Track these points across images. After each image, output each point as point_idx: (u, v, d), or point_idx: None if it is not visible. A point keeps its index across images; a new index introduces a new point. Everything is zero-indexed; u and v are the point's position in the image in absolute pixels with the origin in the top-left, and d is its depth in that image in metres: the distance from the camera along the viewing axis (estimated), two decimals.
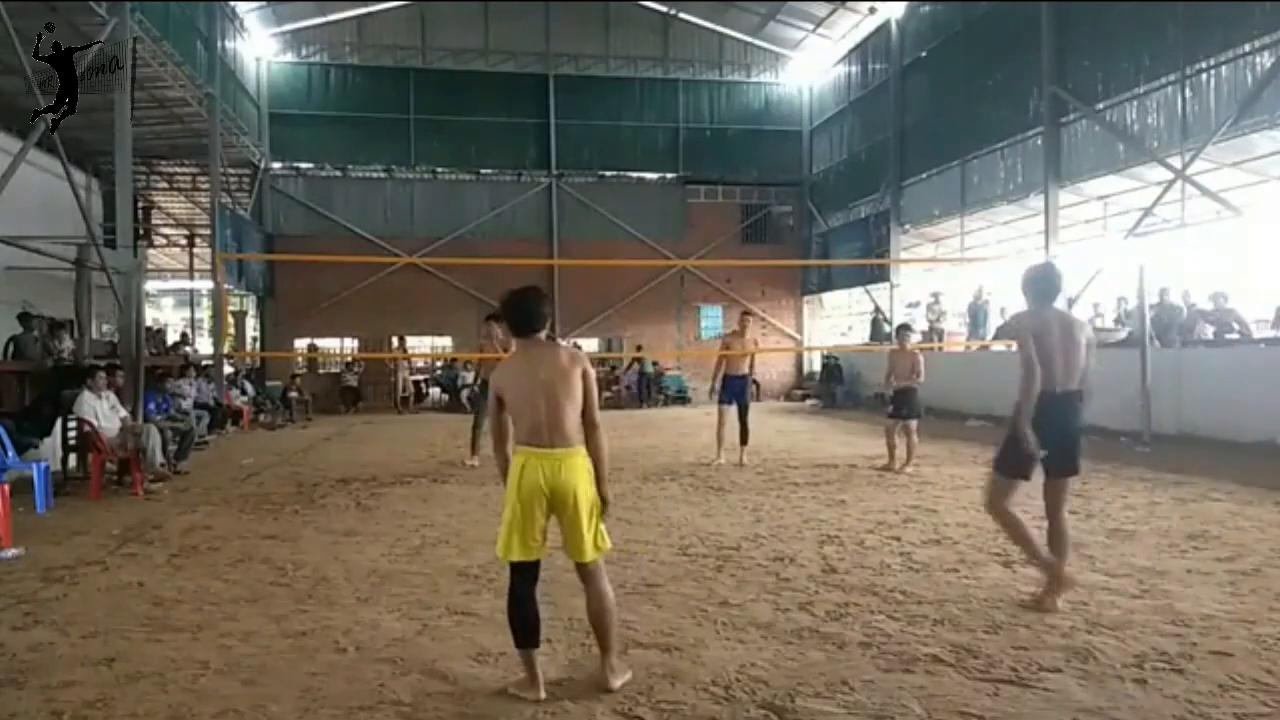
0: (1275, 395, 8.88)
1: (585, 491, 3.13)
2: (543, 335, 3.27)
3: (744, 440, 9.53)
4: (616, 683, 3.17)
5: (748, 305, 22.05)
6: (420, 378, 21.07)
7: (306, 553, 5.44)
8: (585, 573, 3.22)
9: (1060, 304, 4.16)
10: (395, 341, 20.98)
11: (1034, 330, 3.92)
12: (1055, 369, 3.89)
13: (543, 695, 3.09)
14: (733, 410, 9.58)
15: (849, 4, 19.51)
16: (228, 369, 15.57)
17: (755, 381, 9.82)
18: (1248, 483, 7.19)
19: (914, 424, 8.75)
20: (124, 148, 10.35)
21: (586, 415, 3.17)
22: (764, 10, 20.98)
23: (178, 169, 18.58)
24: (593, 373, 3.24)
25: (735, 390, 9.67)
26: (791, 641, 3.66)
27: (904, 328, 9.87)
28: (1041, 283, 4.06)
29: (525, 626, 3.16)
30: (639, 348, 20.92)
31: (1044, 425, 3.86)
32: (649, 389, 20.26)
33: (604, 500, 3.21)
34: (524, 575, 3.20)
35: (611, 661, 3.21)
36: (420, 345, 21.73)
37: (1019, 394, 3.89)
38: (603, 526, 3.24)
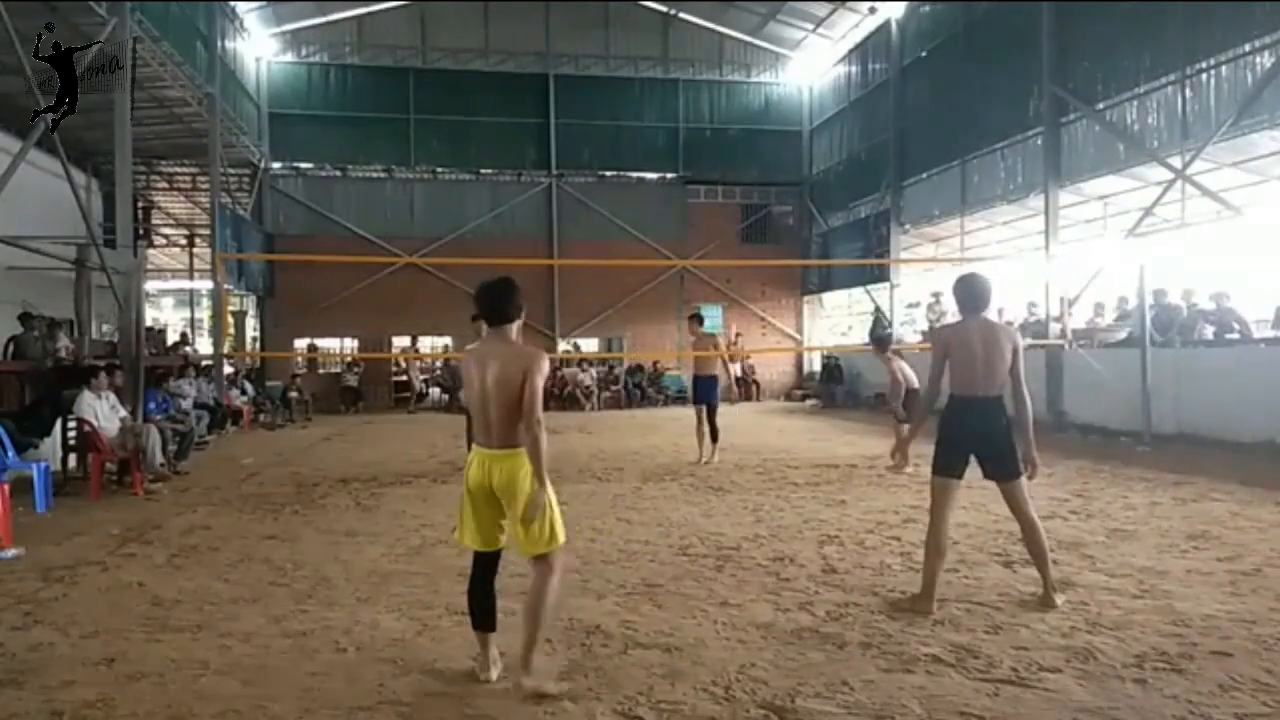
0: (1275, 395, 8.88)
1: (526, 490, 3.11)
2: (513, 328, 3.27)
3: (713, 439, 9.69)
4: (528, 683, 3.10)
5: (748, 305, 22.08)
6: (421, 377, 21.10)
7: (306, 553, 5.44)
8: (531, 565, 3.23)
9: (991, 313, 4.30)
10: (408, 340, 21.03)
11: (948, 341, 4.18)
12: (975, 375, 4.07)
13: (493, 677, 3.23)
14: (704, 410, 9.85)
15: (849, 4, 19.49)
16: (228, 369, 15.56)
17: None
18: (1248, 483, 7.19)
19: (904, 427, 8.81)
20: (124, 148, 10.34)
21: (523, 413, 3.10)
22: (764, 10, 20.97)
23: (178, 169, 18.57)
24: (539, 371, 3.11)
25: (702, 391, 9.95)
26: (791, 641, 3.66)
27: (881, 338, 10.09)
28: (966, 294, 4.21)
29: (479, 610, 3.29)
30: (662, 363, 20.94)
31: (967, 427, 4.08)
32: (637, 390, 20.32)
33: (531, 502, 3.07)
34: (480, 563, 3.31)
35: (529, 658, 3.14)
36: (420, 345, 21.76)
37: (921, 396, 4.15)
38: (555, 524, 3.15)
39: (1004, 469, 4.07)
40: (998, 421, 4.07)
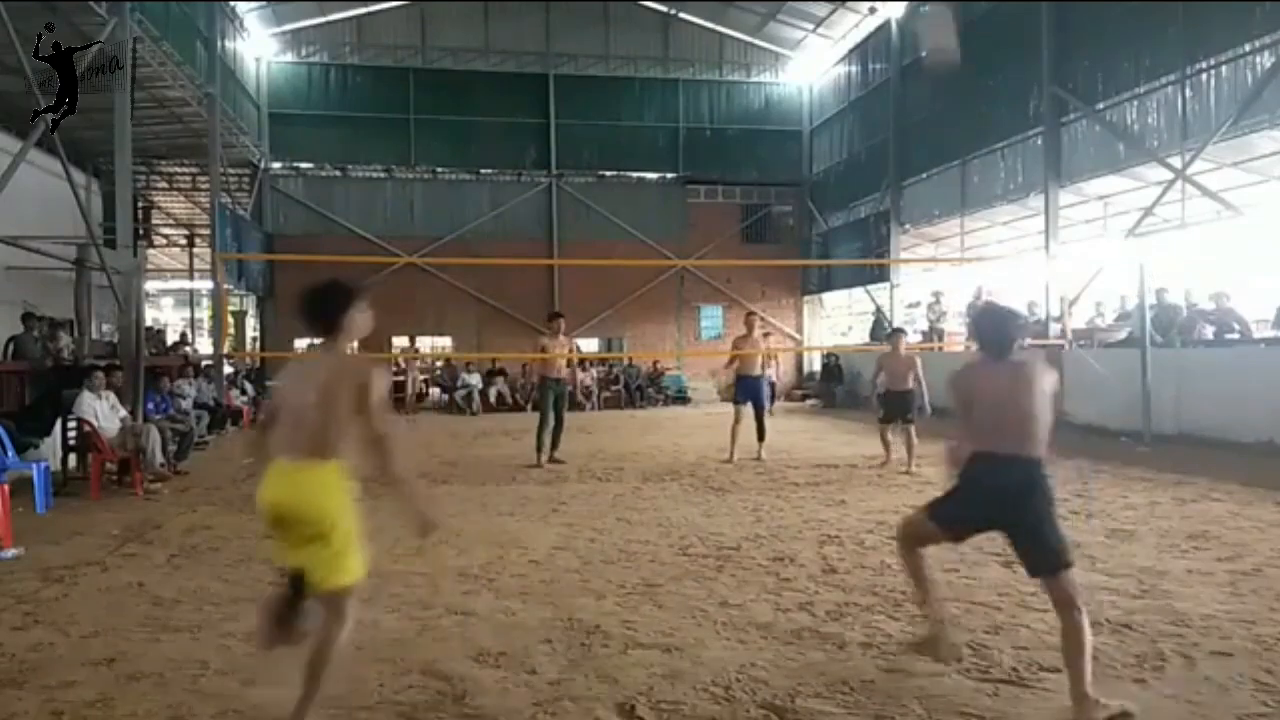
0: (1275, 395, 8.88)
1: (319, 512, 2.63)
2: (345, 339, 2.80)
3: (760, 437, 9.71)
4: None
5: (748, 305, 22.07)
6: (421, 378, 21.10)
7: None
8: (323, 602, 2.68)
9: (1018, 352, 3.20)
10: (406, 341, 21.03)
11: (965, 388, 3.22)
12: (996, 426, 3.05)
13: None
14: (747, 409, 9.78)
15: (849, 4, 19.50)
16: (228, 369, 15.56)
17: (771, 382, 10.41)
18: (1248, 483, 7.18)
19: (911, 427, 8.76)
20: (124, 148, 10.35)
21: (366, 432, 2.65)
22: (764, 10, 20.98)
23: (178, 169, 18.58)
24: (375, 385, 2.66)
25: (750, 390, 9.86)
26: (791, 641, 3.66)
27: (898, 331, 9.88)
28: (989, 331, 3.23)
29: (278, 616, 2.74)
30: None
31: (985, 493, 3.07)
32: (638, 391, 20.29)
33: (425, 521, 2.73)
34: (294, 582, 2.73)
35: (303, 711, 2.70)
36: (420, 345, 21.76)
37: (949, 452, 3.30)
38: (350, 558, 2.68)
39: (1037, 554, 2.99)
40: (1031, 489, 2.99)
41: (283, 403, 2.79)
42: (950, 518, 3.21)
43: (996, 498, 3.03)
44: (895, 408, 8.88)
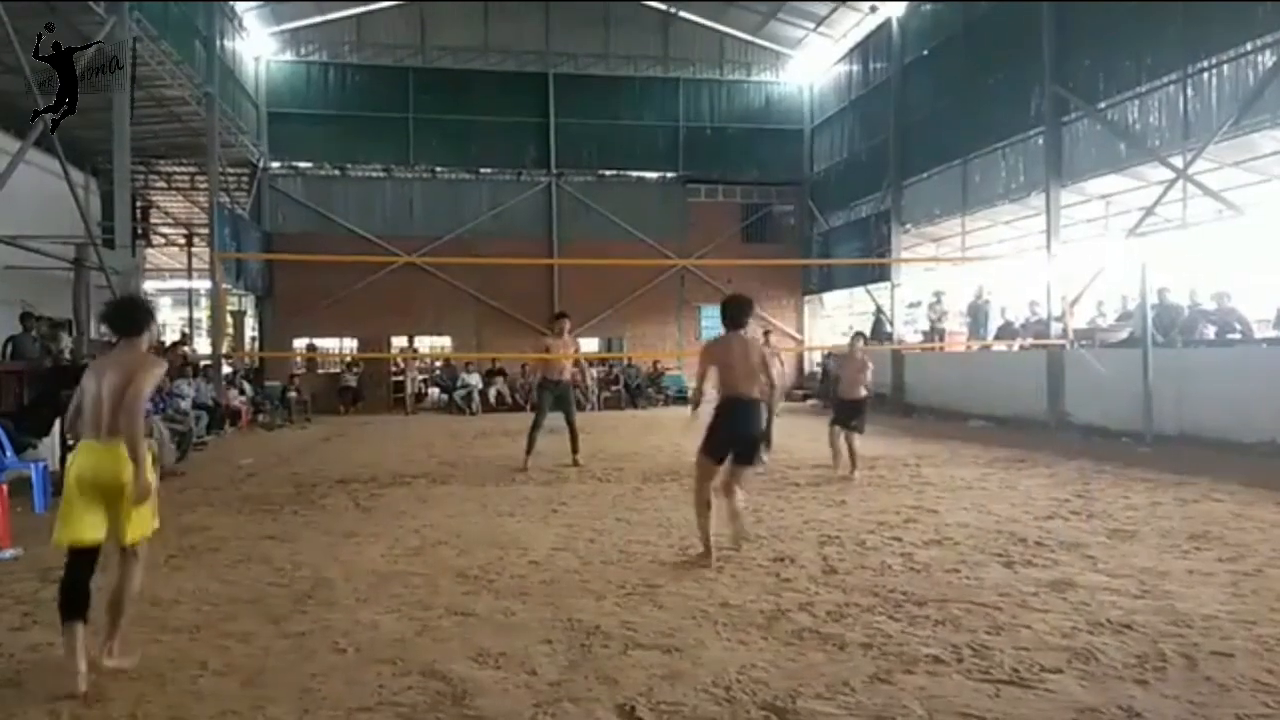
0: (1277, 395, 8.86)
1: (124, 481, 3.33)
2: (143, 340, 3.58)
3: (767, 444, 9.51)
4: (111, 663, 3.35)
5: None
6: (420, 378, 21.08)
7: (306, 553, 5.43)
8: (122, 556, 3.45)
9: (751, 329, 5.43)
10: (405, 341, 21.02)
11: (713, 351, 5.26)
12: (736, 379, 5.04)
13: (81, 669, 3.18)
14: None
15: (850, 3, 19.48)
16: (226, 369, 15.55)
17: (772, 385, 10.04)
18: (1250, 483, 7.18)
19: (856, 436, 8.40)
20: (123, 147, 10.33)
21: (126, 406, 3.35)
22: (765, 9, 20.96)
23: (176, 168, 18.55)
24: (148, 372, 3.45)
25: None
26: (792, 642, 3.65)
27: (858, 335, 9.39)
28: (726, 313, 5.23)
29: (74, 604, 3.29)
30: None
31: (729, 423, 5.02)
32: (637, 391, 20.24)
33: (138, 486, 3.32)
34: (81, 561, 3.37)
35: (113, 645, 3.41)
36: (419, 345, 21.74)
37: (692, 395, 5.63)
38: (148, 512, 3.45)
39: (746, 454, 5.13)
40: (754, 418, 5.11)
41: (90, 393, 3.43)
42: (718, 449, 5.02)
43: (742, 424, 5.04)
44: (843, 414, 8.52)
